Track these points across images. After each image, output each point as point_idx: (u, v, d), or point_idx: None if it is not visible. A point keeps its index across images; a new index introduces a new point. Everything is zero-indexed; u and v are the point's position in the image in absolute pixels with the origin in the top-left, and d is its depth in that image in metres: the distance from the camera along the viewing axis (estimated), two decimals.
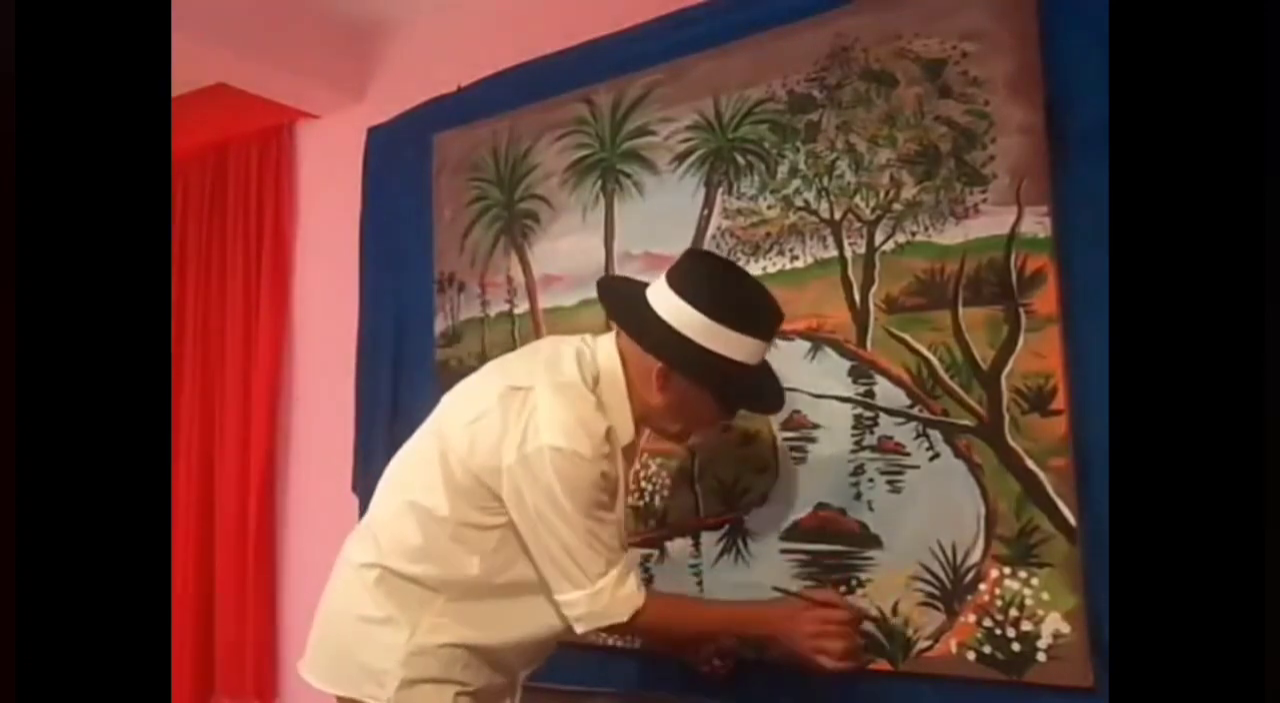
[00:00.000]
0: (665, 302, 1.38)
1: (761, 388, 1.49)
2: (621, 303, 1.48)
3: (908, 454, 1.62)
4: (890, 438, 1.64)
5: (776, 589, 1.57)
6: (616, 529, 1.40)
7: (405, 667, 1.40)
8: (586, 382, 1.39)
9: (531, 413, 1.34)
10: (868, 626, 1.60)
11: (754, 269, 1.80)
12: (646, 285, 1.46)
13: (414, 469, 1.49)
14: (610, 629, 1.43)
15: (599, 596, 1.37)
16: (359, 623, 1.45)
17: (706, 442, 1.79)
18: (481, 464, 1.38)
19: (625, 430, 1.42)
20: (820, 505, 1.70)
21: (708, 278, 1.41)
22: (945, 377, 1.59)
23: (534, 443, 1.32)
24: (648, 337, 1.39)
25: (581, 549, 1.35)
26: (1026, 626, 1.48)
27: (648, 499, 1.89)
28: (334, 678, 1.48)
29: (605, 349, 1.44)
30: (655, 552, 1.86)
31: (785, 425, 1.74)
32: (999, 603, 1.51)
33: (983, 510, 1.54)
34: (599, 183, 2.05)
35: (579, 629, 1.41)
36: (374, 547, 1.48)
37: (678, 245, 1.89)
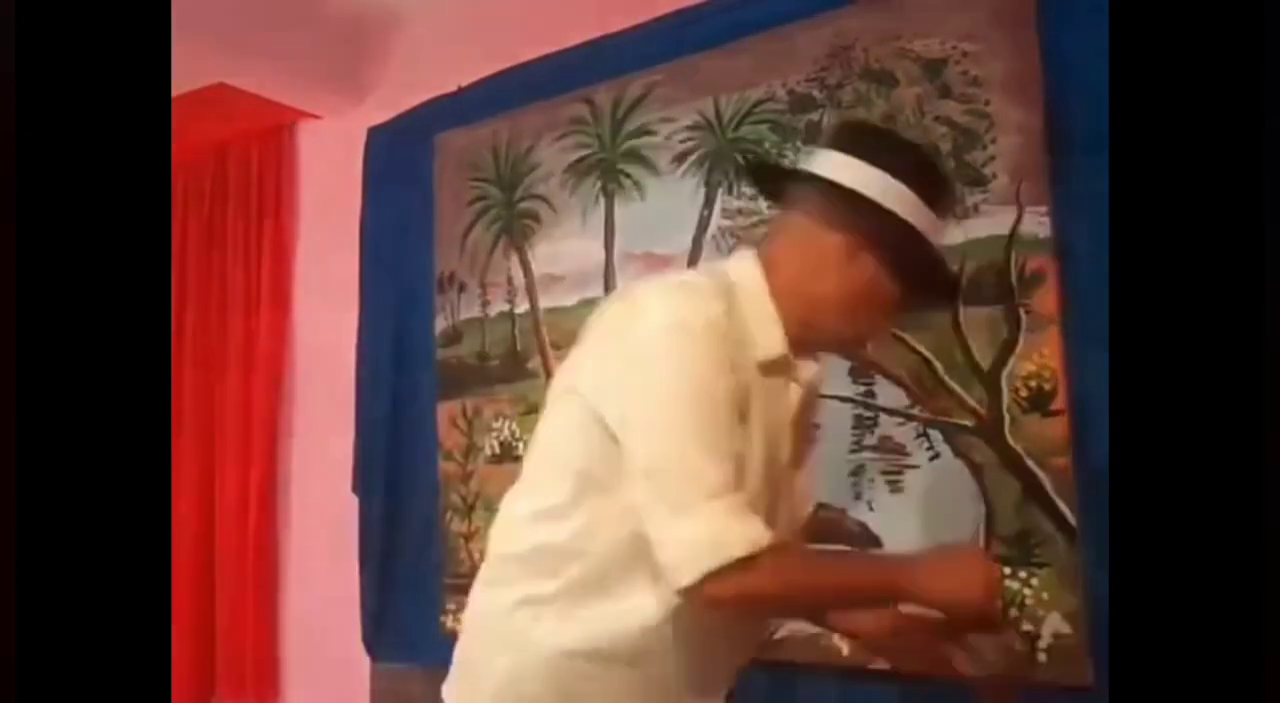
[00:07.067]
0: (848, 171, 1.13)
1: (941, 274, 1.24)
2: (785, 175, 1.29)
3: (908, 454, 1.62)
4: (890, 438, 1.64)
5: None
6: (737, 455, 1.07)
7: None
8: (711, 286, 1.12)
9: (639, 314, 1.11)
10: None
11: None
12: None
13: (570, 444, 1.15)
14: (719, 589, 1.01)
15: (712, 519, 1.01)
16: None
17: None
18: (596, 391, 1.11)
19: (766, 343, 1.13)
20: (820, 506, 1.69)
21: (895, 146, 1.20)
22: (945, 377, 1.59)
23: (639, 332, 1.09)
24: (838, 206, 1.13)
25: (693, 455, 1.03)
26: (1026, 626, 1.48)
27: None
28: None
29: (738, 262, 1.19)
30: None
31: None
32: (999, 603, 1.51)
33: (983, 510, 1.54)
34: (599, 183, 2.05)
35: (684, 580, 1.01)
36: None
37: (678, 245, 1.90)
